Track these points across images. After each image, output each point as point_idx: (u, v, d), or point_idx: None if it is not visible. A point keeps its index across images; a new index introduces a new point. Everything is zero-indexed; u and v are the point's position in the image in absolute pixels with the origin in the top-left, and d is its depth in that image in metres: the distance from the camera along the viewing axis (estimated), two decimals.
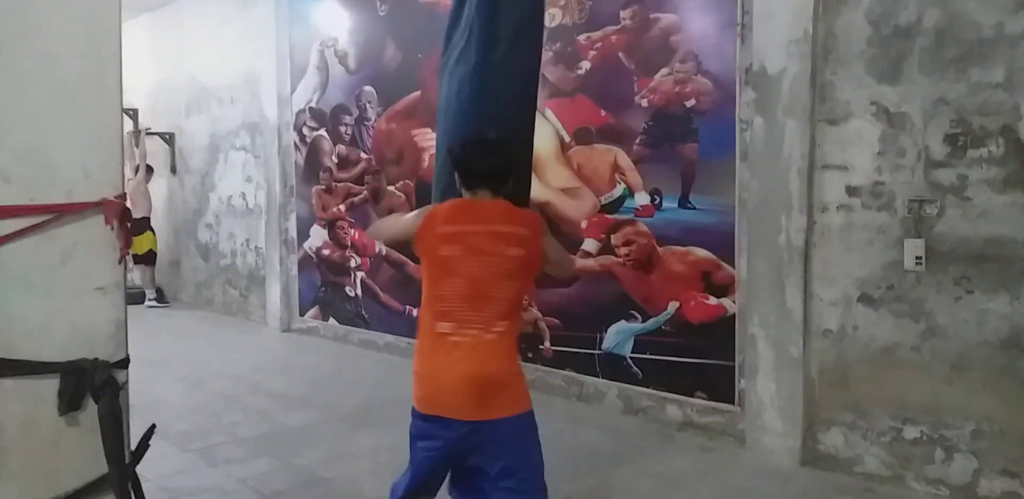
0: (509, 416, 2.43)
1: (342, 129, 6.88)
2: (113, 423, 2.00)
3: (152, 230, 9.20)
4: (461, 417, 2.39)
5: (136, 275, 9.32)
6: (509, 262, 2.43)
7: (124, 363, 2.11)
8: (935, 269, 3.49)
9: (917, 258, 3.52)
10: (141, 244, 8.95)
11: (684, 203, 4.41)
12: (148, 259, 9.19)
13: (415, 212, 2.59)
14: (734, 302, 4.22)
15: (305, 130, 7.31)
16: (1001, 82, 3.31)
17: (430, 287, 2.47)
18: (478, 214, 2.50)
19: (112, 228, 2.03)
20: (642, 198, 4.62)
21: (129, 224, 2.11)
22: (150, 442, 2.15)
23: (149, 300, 9.16)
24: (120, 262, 2.07)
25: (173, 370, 5.97)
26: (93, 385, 1.99)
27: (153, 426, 2.18)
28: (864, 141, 3.68)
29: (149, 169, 9.22)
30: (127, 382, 2.12)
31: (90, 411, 2.01)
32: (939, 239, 3.48)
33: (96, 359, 2.03)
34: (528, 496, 2.48)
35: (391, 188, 6.40)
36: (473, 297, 2.40)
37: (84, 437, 2.00)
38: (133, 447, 2.16)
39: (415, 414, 2.51)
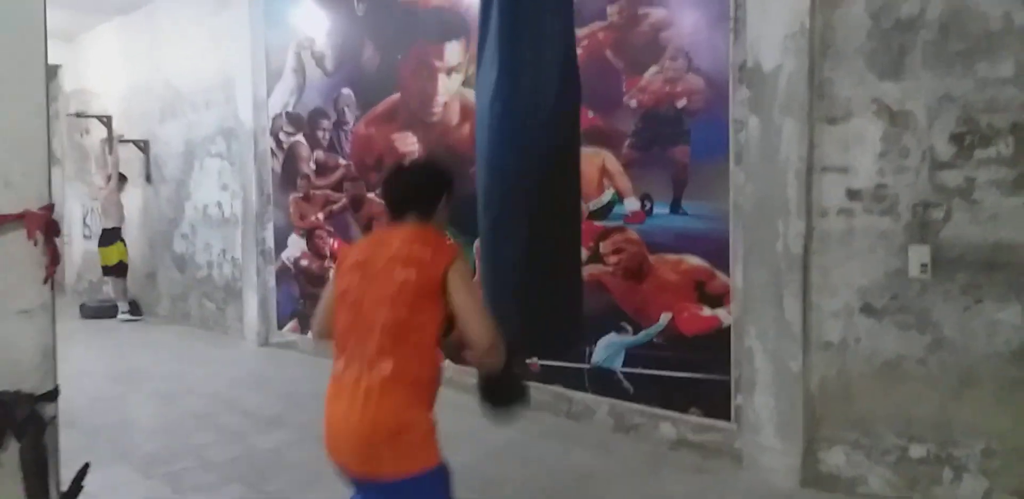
0: (396, 477, 2.03)
1: (320, 134, 6.66)
2: (37, 464, 1.78)
3: (123, 241, 8.95)
4: (349, 469, 2.10)
5: (108, 287, 9.08)
6: (395, 286, 2.07)
7: (52, 395, 1.89)
8: (942, 277, 3.32)
9: (922, 265, 3.36)
10: (111, 255, 8.73)
11: (676, 209, 4.21)
12: (119, 270, 8.89)
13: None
14: (729, 313, 4.02)
15: (282, 135, 7.08)
16: (1010, 77, 3.16)
17: (336, 323, 2.19)
18: (386, 238, 2.23)
19: (36, 243, 1.80)
20: (632, 204, 4.41)
21: (58, 237, 1.87)
22: (83, 483, 1.91)
23: (122, 313, 8.89)
24: (46, 281, 1.84)
25: (144, 387, 5.72)
26: (14, 421, 1.76)
27: (87, 465, 1.94)
28: (865, 141, 3.51)
29: (122, 177, 8.98)
30: (56, 417, 1.89)
31: (11, 451, 1.76)
32: (946, 245, 3.32)
33: (18, 391, 1.81)
34: None
35: (371, 195, 6.17)
36: (358, 327, 2.10)
37: (3, 481, 1.76)
38: (64, 488, 1.90)
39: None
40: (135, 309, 9.03)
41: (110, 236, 8.74)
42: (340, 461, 2.08)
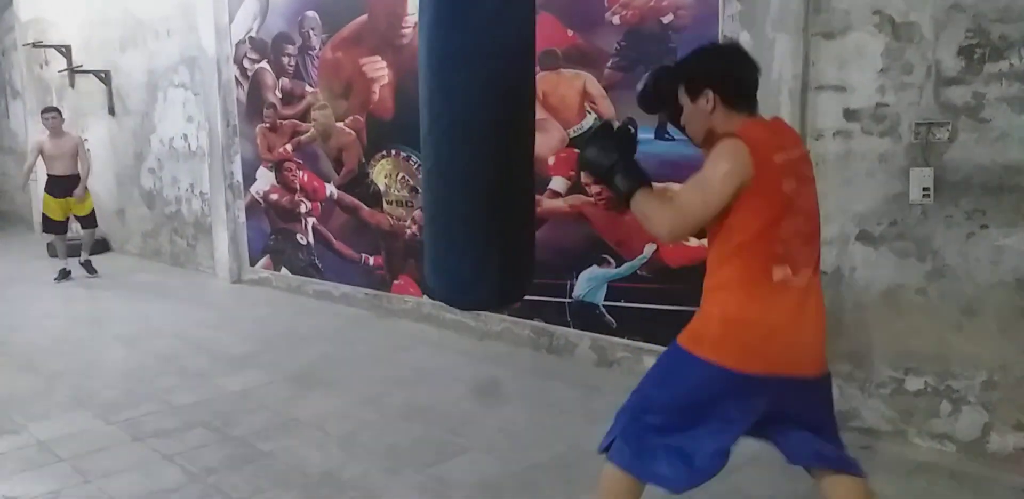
0: (825, 371, 2.13)
1: (285, 60, 6.29)
2: None
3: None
4: (805, 374, 2.04)
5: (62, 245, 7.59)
6: (815, 191, 2.12)
7: None
8: (945, 202, 3.13)
9: (924, 190, 3.16)
10: (83, 205, 7.48)
11: (661, 134, 3.97)
12: (92, 219, 7.65)
13: (722, 158, 1.94)
14: None
15: (246, 62, 6.70)
16: None
17: (764, 228, 1.96)
18: (784, 136, 2.10)
19: None
20: None
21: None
22: None
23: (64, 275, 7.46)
24: None
25: (109, 329, 5.52)
26: None
27: None
28: (865, 57, 3.27)
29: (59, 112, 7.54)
30: None
31: None
32: (950, 167, 3.12)
33: None
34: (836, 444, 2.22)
35: (340, 124, 5.86)
36: (808, 234, 2.06)
37: None
38: None
39: (730, 373, 1.97)
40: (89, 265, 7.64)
41: (73, 184, 7.37)
42: (789, 368, 2.01)
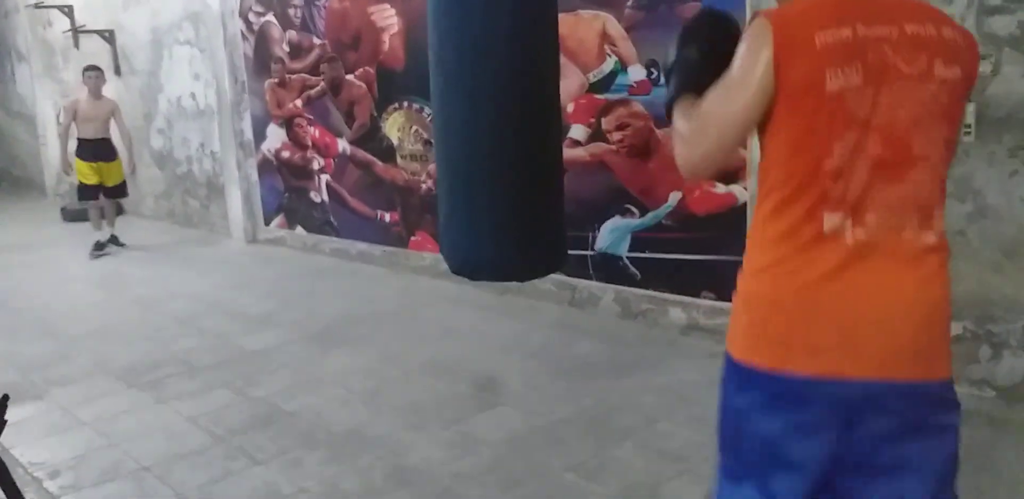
0: (941, 379, 1.32)
1: (291, 12, 6.10)
2: None
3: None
4: (894, 376, 1.28)
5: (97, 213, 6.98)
6: (944, 91, 1.28)
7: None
8: (987, 139, 2.98)
9: (966, 126, 2.99)
10: (112, 172, 6.95)
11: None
12: (121, 190, 7.16)
13: (740, 49, 1.28)
14: (745, 189, 3.68)
15: (251, 16, 6.51)
16: None
17: (798, 147, 1.27)
18: (871, 6, 1.28)
19: None
20: (637, 73, 3.99)
21: None
22: (5, 417, 1.62)
23: (110, 244, 7.00)
24: None
25: (127, 292, 5.47)
26: None
27: (6, 396, 1.64)
28: None
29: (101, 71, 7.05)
30: None
31: None
32: (992, 102, 2.96)
33: None
34: None
35: (350, 77, 5.70)
36: (894, 164, 1.26)
37: None
38: None
39: (762, 376, 1.31)
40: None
41: (105, 149, 6.92)
42: (861, 368, 1.27)
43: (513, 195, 2.15)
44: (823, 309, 1.27)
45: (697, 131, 1.33)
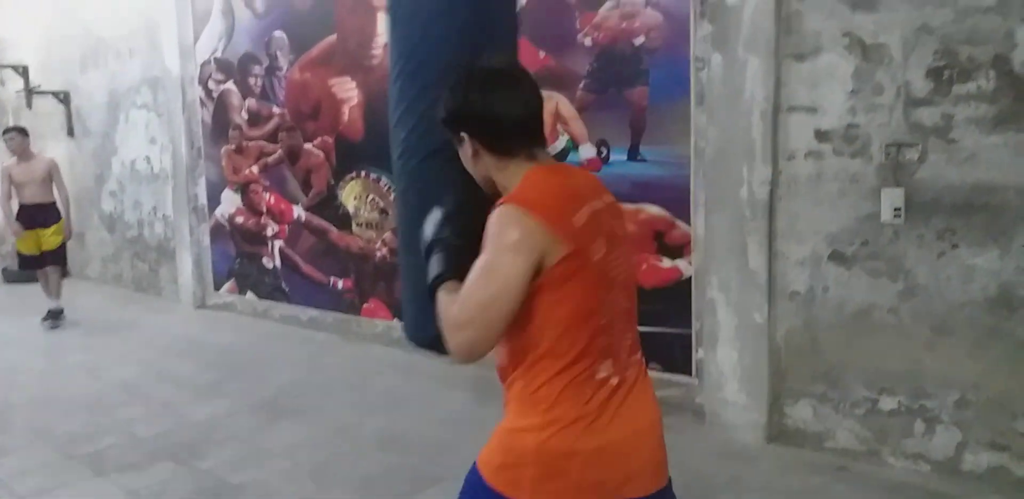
0: (668, 482, 1.61)
1: (251, 81, 6.21)
2: None
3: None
4: (646, 493, 1.52)
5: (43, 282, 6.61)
6: (632, 258, 1.64)
7: None
8: (916, 222, 3.15)
9: (895, 210, 3.17)
10: (51, 238, 6.49)
11: (634, 155, 3.96)
12: (60, 255, 6.66)
13: (503, 231, 1.40)
14: (690, 264, 3.81)
15: (211, 83, 6.61)
16: (992, 5, 2.95)
17: (578, 312, 1.45)
18: (581, 183, 1.55)
19: None
20: (587, 151, 4.15)
21: None
22: None
23: (53, 317, 6.47)
24: None
25: (69, 358, 5.36)
26: None
27: None
28: (836, 78, 3.29)
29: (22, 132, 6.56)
30: None
31: None
32: (920, 187, 3.13)
33: None
34: None
35: (308, 146, 5.79)
36: (628, 312, 1.56)
37: None
38: None
39: None
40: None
41: (43, 213, 6.46)
42: (637, 479, 1.50)
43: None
44: (608, 452, 1.46)
45: (470, 318, 1.40)
